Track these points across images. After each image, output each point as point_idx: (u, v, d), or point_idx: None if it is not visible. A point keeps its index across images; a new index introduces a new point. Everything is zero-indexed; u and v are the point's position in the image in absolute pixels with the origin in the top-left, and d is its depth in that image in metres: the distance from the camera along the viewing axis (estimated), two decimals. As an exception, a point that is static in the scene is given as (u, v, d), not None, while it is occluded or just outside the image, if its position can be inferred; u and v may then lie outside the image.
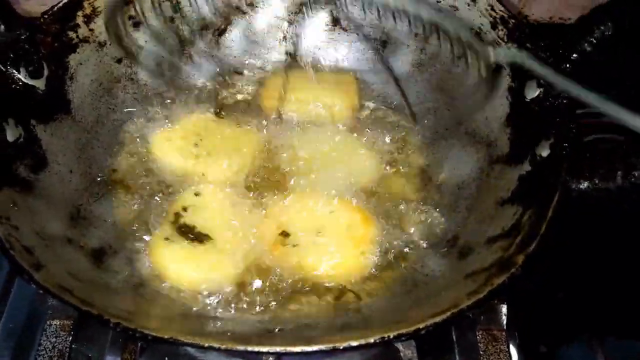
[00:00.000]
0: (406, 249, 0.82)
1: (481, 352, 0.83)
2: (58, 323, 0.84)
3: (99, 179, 0.85)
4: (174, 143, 0.89)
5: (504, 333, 0.84)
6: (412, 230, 0.84)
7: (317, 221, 0.83)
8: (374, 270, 0.79)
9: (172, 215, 0.81)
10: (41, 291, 0.56)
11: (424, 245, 0.82)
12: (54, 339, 0.83)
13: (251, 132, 0.94)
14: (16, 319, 0.90)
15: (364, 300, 0.76)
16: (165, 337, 0.52)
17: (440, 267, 0.76)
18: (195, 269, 0.75)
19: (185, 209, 0.81)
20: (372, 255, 0.79)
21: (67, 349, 0.81)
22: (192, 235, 0.78)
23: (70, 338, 0.82)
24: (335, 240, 0.79)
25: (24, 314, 0.90)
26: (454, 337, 0.88)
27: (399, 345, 0.79)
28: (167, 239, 0.77)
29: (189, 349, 0.87)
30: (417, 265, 0.79)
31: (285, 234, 0.81)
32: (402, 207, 0.87)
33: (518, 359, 0.87)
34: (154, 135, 0.91)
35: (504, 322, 0.84)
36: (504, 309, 0.83)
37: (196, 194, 0.84)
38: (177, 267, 0.75)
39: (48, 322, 0.83)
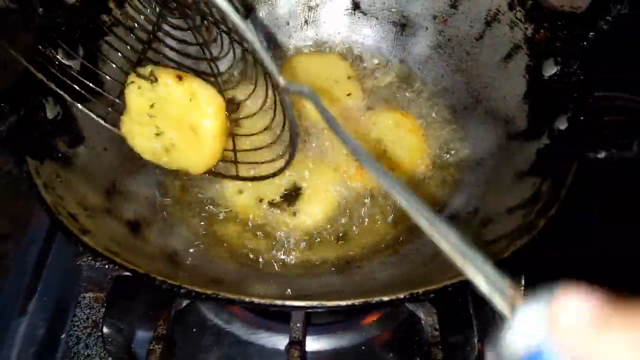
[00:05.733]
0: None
1: (499, 323, 0.85)
2: (92, 295, 0.88)
3: (131, 156, 0.88)
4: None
5: (521, 304, 0.87)
6: (430, 204, 0.87)
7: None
8: (390, 241, 0.83)
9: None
10: (89, 253, 0.59)
11: (443, 217, 0.85)
12: (88, 311, 0.87)
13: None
14: (50, 293, 0.94)
15: (386, 270, 0.79)
16: (209, 292, 0.55)
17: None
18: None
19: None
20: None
21: (101, 320, 0.84)
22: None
23: (104, 310, 0.86)
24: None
25: (58, 288, 0.94)
26: (472, 311, 0.91)
27: (421, 314, 0.81)
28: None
29: (217, 320, 0.91)
30: (437, 236, 0.82)
31: None
32: (420, 182, 0.90)
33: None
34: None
35: (521, 293, 0.87)
36: (522, 280, 0.85)
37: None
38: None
39: (82, 295, 0.87)
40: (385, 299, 0.56)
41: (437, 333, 0.79)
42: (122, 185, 0.82)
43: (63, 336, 0.88)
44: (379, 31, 1.05)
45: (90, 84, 0.79)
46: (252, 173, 0.81)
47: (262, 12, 1.05)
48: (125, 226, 0.75)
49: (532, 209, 0.68)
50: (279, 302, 0.55)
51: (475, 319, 0.90)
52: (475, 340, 0.88)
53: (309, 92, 0.52)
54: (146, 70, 0.74)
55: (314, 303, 0.55)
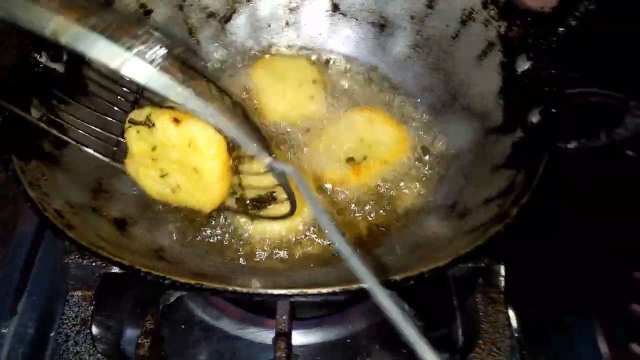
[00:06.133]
0: (406, 216, 0.88)
1: (481, 314, 0.88)
2: (80, 294, 0.89)
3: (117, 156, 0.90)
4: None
5: (502, 295, 0.90)
6: (412, 198, 0.90)
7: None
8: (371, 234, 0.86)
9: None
10: (75, 247, 0.60)
11: (424, 211, 0.87)
12: (77, 309, 0.88)
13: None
14: (39, 293, 0.95)
15: (369, 263, 0.80)
16: (192, 282, 0.57)
17: (441, 229, 0.81)
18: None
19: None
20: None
21: (89, 318, 0.85)
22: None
23: (92, 308, 0.87)
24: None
25: (47, 288, 0.96)
26: (456, 303, 0.93)
27: (404, 305, 0.83)
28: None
29: (205, 316, 0.93)
30: (418, 229, 0.85)
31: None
32: (402, 178, 0.93)
33: (516, 320, 0.93)
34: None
35: (502, 284, 0.89)
36: (502, 270, 0.88)
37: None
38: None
39: (70, 294, 0.88)
40: (365, 285, 0.57)
41: (420, 323, 0.81)
42: (108, 185, 0.84)
43: (52, 334, 0.89)
44: (359, 32, 1.08)
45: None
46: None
47: (243, 15, 1.06)
48: (112, 223, 0.77)
49: (507, 199, 0.71)
50: (262, 291, 0.57)
51: (459, 311, 0.93)
52: (459, 331, 0.90)
53: (292, 172, 0.54)
54: (143, 113, 0.74)
55: (296, 291, 0.57)
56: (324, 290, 0.57)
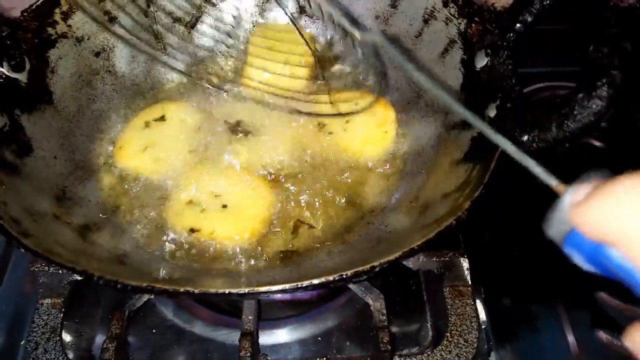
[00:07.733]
0: (371, 213, 0.89)
1: (449, 307, 0.89)
2: (49, 302, 0.89)
3: (82, 164, 0.90)
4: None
5: (469, 288, 0.91)
6: (377, 195, 0.90)
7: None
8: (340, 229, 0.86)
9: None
10: (29, 253, 0.61)
11: (388, 207, 0.88)
12: (46, 317, 0.88)
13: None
14: (8, 302, 0.96)
15: (333, 260, 0.82)
16: (144, 285, 0.57)
17: (402, 224, 0.82)
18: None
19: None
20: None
21: (59, 325, 0.86)
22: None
23: (62, 315, 0.87)
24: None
25: (16, 297, 0.96)
26: (425, 297, 0.94)
27: (369, 300, 0.84)
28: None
29: (176, 320, 0.93)
30: (381, 225, 0.85)
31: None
32: (367, 176, 0.94)
33: (484, 312, 0.94)
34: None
35: (468, 277, 0.91)
36: (465, 263, 0.89)
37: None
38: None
39: (40, 302, 0.89)
40: (316, 281, 0.58)
41: (384, 317, 0.82)
42: (72, 192, 0.84)
43: (22, 343, 0.89)
44: (325, 32, 1.09)
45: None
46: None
47: (210, 20, 1.07)
48: (74, 230, 0.77)
49: (462, 194, 0.72)
50: (212, 291, 0.57)
51: (429, 305, 0.94)
52: (429, 325, 0.91)
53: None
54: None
55: (246, 290, 0.57)
56: (274, 288, 0.58)
